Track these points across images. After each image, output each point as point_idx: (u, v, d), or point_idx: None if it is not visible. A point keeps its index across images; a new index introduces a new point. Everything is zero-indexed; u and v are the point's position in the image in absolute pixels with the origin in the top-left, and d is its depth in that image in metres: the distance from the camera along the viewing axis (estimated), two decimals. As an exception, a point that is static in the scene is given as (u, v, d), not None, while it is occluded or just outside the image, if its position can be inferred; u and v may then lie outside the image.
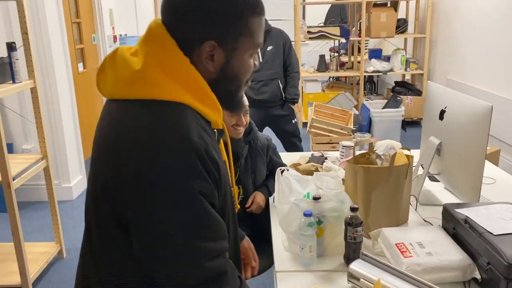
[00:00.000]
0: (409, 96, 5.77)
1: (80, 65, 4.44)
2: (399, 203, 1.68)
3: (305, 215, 1.47)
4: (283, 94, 3.49)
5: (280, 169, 1.64)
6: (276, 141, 3.67)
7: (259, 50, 1.00)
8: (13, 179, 2.39)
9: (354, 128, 4.82)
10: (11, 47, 2.44)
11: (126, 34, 5.46)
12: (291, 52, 3.50)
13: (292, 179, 1.66)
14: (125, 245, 0.88)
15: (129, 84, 0.87)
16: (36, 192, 3.71)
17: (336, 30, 5.70)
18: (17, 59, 2.48)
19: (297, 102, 3.63)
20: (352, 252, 1.48)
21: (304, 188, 1.68)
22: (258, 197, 2.05)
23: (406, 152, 1.70)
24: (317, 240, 1.54)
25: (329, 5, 7.34)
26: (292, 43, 3.68)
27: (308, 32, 5.62)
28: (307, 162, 2.46)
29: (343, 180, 1.80)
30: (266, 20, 3.38)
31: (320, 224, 1.54)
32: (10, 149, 3.64)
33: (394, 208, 1.67)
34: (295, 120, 3.63)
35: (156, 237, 0.84)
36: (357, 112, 5.39)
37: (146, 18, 6.51)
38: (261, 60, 3.35)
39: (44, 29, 3.46)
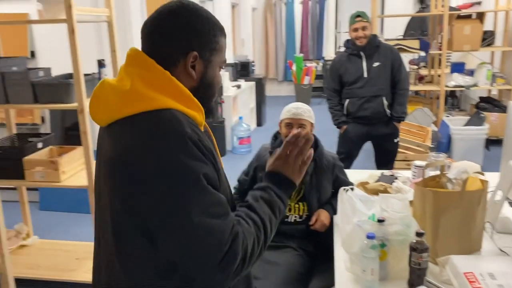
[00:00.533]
0: (494, 113, 5.40)
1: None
2: (471, 230, 1.59)
3: (368, 237, 1.45)
4: (388, 111, 3.35)
5: (344, 189, 1.63)
6: (368, 156, 3.61)
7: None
8: (97, 185, 2.60)
9: (432, 146, 4.61)
10: (101, 64, 2.68)
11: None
12: (401, 68, 3.37)
13: (356, 199, 1.64)
14: (150, 252, 0.98)
15: (122, 103, 0.99)
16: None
17: (415, 43, 5.51)
18: (106, 75, 2.71)
19: (403, 120, 3.49)
20: (416, 278, 1.43)
21: (369, 209, 1.65)
22: (322, 215, 2.05)
23: (480, 176, 1.61)
24: (380, 263, 1.51)
25: (409, 18, 7.11)
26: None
27: (385, 45, 5.48)
28: (376, 181, 2.41)
29: (411, 202, 1.74)
30: (375, 36, 3.34)
31: (384, 247, 1.51)
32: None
33: (465, 235, 1.59)
34: (398, 139, 3.50)
35: (177, 225, 0.93)
36: (436, 129, 5.15)
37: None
38: (365, 76, 3.29)
39: (130, 46, 3.74)
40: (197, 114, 1.05)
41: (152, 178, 0.93)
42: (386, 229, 1.51)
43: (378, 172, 2.47)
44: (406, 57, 6.80)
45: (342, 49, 3.66)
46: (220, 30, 1.09)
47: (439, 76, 5.76)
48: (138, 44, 3.67)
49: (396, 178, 2.37)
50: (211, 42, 1.07)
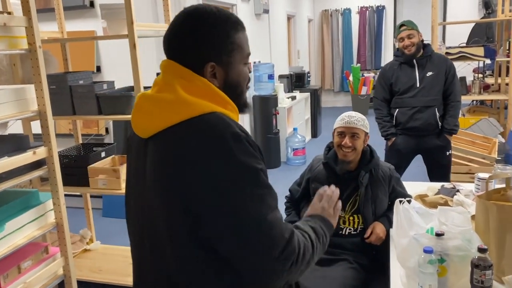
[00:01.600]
0: None
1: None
2: (542, 247, 1.47)
3: (425, 251, 1.39)
4: (439, 123, 3.23)
5: (400, 200, 1.57)
6: (418, 170, 3.47)
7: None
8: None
9: (499, 158, 4.34)
10: (159, 76, 2.78)
11: (260, 61, 5.78)
12: (455, 80, 3.25)
13: (412, 211, 1.58)
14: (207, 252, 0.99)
15: (170, 111, 1.02)
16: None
17: (479, 51, 5.24)
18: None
19: (455, 133, 3.34)
20: (479, 297, 1.34)
21: (426, 222, 1.58)
22: (378, 228, 1.99)
23: (551, 190, 1.50)
24: (439, 279, 1.43)
25: (473, 24, 6.80)
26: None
27: (447, 53, 5.27)
28: (435, 194, 2.30)
29: (473, 216, 1.65)
30: (428, 45, 3.25)
31: (443, 263, 1.44)
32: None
33: (535, 253, 1.47)
34: (450, 152, 3.35)
35: (239, 221, 0.96)
36: (503, 140, 4.85)
37: (278, 47, 6.82)
38: (418, 86, 3.20)
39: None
40: (234, 114, 1.09)
41: (217, 178, 0.96)
42: (445, 244, 1.43)
43: (438, 185, 2.36)
44: (470, 66, 6.51)
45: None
46: (233, 27, 1.08)
47: (506, 84, 5.43)
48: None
49: (457, 191, 2.25)
50: (226, 45, 1.07)
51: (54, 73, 2.84)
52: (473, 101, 6.66)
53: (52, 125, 1.84)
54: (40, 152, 1.81)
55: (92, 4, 4.05)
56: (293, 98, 6.20)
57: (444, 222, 1.50)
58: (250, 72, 1.18)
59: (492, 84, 5.95)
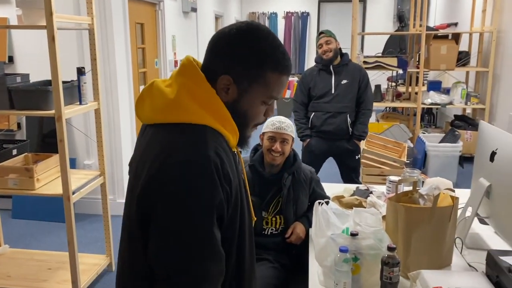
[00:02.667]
0: (468, 131, 5.55)
1: (141, 88, 4.71)
2: (442, 245, 1.63)
3: (341, 250, 1.48)
4: (350, 129, 3.46)
5: (319, 202, 1.65)
6: (335, 171, 3.69)
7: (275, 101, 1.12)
8: (73, 193, 2.57)
9: (408, 162, 4.69)
10: (80, 71, 2.66)
11: (186, 60, 5.72)
12: (367, 89, 3.49)
13: (330, 212, 1.67)
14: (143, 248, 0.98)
15: (164, 110, 1.02)
16: (94, 205, 3.92)
17: (393, 61, 5.63)
18: (85, 82, 2.69)
19: (363, 139, 3.61)
20: (387, 292, 1.45)
21: (343, 223, 1.68)
22: (298, 228, 2.07)
23: (450, 193, 1.66)
24: (353, 277, 1.53)
25: (388, 36, 7.28)
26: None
27: (364, 62, 5.60)
28: (351, 195, 2.44)
29: (384, 217, 1.78)
30: (345, 54, 3.44)
31: (357, 261, 1.54)
32: (73, 163, 3.91)
33: (435, 250, 1.63)
34: (359, 156, 3.62)
35: (167, 238, 0.93)
36: (411, 145, 5.25)
37: (205, 43, 6.79)
38: (333, 92, 3.39)
39: (111, 55, 3.73)
40: (231, 137, 1.06)
41: (168, 192, 0.94)
42: (359, 243, 1.53)
43: (354, 187, 2.51)
44: (384, 74, 6.97)
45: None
46: (272, 66, 1.03)
47: (416, 93, 5.90)
48: (119, 54, 3.69)
49: (371, 193, 2.40)
50: (253, 74, 1.03)
51: (-41, 62, 2.60)
52: (386, 107, 7.14)
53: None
54: None
55: (5, -11, 3.75)
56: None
57: (358, 223, 1.60)
58: (268, 116, 1.12)
59: (404, 93, 6.43)
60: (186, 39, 5.83)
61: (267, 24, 10.14)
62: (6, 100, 2.45)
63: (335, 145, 3.51)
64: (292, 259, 2.09)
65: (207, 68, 1.05)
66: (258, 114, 1.09)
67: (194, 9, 6.13)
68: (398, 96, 6.10)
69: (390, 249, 1.45)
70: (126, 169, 3.98)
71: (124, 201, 1.10)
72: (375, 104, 5.93)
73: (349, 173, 3.60)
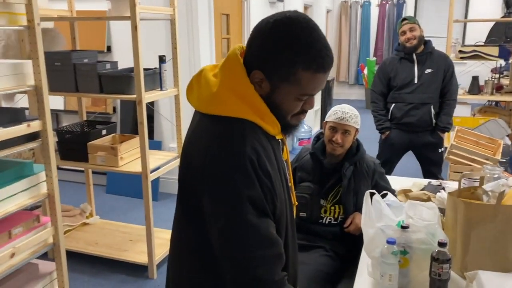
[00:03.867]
0: None
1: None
2: (507, 246, 1.50)
3: (388, 242, 1.43)
4: (433, 120, 3.28)
5: (370, 192, 1.61)
6: (414, 166, 3.52)
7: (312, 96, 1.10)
8: (151, 172, 2.78)
9: (503, 160, 4.29)
10: (161, 59, 2.85)
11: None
12: (452, 78, 3.29)
13: (384, 204, 1.61)
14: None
15: (208, 102, 1.07)
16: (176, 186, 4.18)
17: (493, 50, 5.16)
18: (166, 70, 2.88)
19: (448, 131, 3.40)
20: (436, 289, 1.38)
21: (397, 215, 1.62)
22: (358, 218, 2.03)
23: (521, 191, 1.52)
24: (401, 270, 1.48)
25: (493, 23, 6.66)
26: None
27: (460, 51, 5.21)
28: (421, 190, 2.32)
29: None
30: (429, 42, 3.27)
31: (405, 255, 1.48)
32: (159, 145, 4.20)
33: (499, 252, 1.50)
34: (442, 149, 3.40)
35: (215, 229, 1.02)
36: (509, 143, 4.78)
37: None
38: (416, 82, 3.23)
39: (196, 44, 3.92)
40: (272, 128, 1.08)
41: (204, 181, 1.02)
42: (409, 236, 1.47)
43: (425, 181, 2.38)
44: (484, 65, 6.41)
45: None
46: (305, 65, 1.01)
47: (519, 86, 5.35)
48: (203, 44, 3.85)
49: (443, 188, 2.27)
50: (283, 72, 1.02)
51: (60, 51, 2.93)
52: (488, 101, 6.56)
53: (48, 100, 1.92)
54: (35, 125, 1.89)
55: (105, -15, 4.12)
56: (303, 88, 6.20)
57: (411, 216, 1.53)
58: (306, 109, 1.11)
59: (507, 85, 5.85)
60: (272, 29, 5.89)
61: (359, 13, 9.83)
62: (97, 85, 2.72)
63: (417, 138, 3.32)
64: (349, 249, 2.06)
65: (246, 61, 1.06)
66: (294, 108, 1.08)
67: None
68: (499, 89, 5.56)
69: (440, 244, 1.38)
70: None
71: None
72: (471, 97, 5.52)
73: (430, 168, 3.39)
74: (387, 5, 9.62)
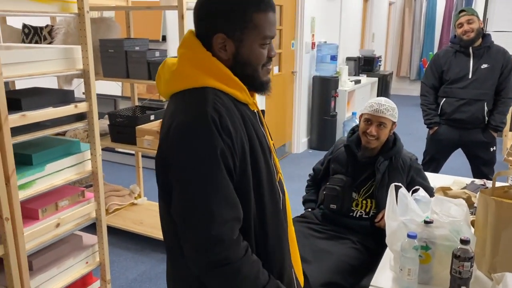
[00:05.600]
0: None
1: (276, 68, 4.89)
2: (541, 250, 1.41)
3: (409, 236, 1.40)
4: (486, 118, 3.11)
5: (396, 185, 1.58)
6: (465, 165, 3.34)
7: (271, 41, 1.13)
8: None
9: None
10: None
11: (325, 42, 5.72)
12: (510, 75, 3.10)
13: (410, 198, 1.58)
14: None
15: (171, 81, 1.12)
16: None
17: None
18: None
19: (501, 130, 3.20)
20: (456, 287, 1.34)
21: (425, 211, 1.57)
22: (389, 213, 1.99)
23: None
24: (423, 266, 1.44)
25: None
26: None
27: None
28: (462, 188, 2.23)
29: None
30: (488, 35, 3.10)
31: (427, 250, 1.44)
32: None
33: (532, 255, 1.42)
34: (494, 148, 3.22)
35: (180, 189, 1.03)
36: None
37: (350, 29, 6.66)
38: (470, 77, 3.08)
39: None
40: (238, 92, 1.10)
41: (175, 149, 1.04)
42: (432, 232, 1.43)
43: (467, 180, 2.28)
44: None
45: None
46: (256, 6, 1.06)
47: None
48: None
49: (486, 188, 2.15)
50: (240, 22, 1.06)
51: (113, 38, 3.10)
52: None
53: (94, 83, 2.05)
54: (82, 106, 2.03)
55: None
56: (357, 82, 6.08)
57: (436, 211, 1.49)
58: (271, 55, 1.14)
59: None
60: (328, 22, 5.82)
61: (424, 6, 9.41)
62: (146, 72, 2.85)
63: (467, 135, 3.16)
64: (378, 243, 2.02)
65: (199, 35, 1.10)
66: (261, 57, 1.12)
67: (340, -9, 6.06)
68: None
69: (463, 241, 1.33)
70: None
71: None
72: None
73: (481, 167, 3.22)
74: (455, -3, 9.14)
